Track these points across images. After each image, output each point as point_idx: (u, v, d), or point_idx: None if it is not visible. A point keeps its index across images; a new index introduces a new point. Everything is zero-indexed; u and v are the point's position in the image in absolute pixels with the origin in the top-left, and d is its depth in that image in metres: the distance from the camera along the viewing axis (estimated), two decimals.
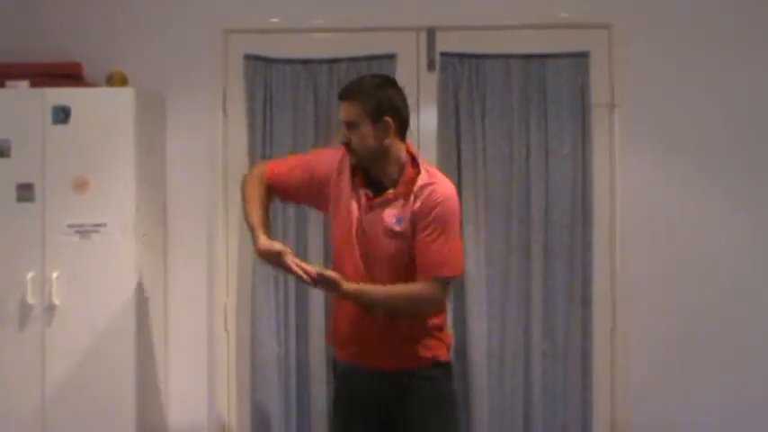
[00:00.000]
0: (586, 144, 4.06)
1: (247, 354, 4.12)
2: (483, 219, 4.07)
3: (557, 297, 4.07)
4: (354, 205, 2.94)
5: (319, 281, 2.82)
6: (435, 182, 2.92)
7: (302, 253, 4.08)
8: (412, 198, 2.90)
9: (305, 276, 2.81)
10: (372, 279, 2.89)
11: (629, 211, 4.07)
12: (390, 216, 2.90)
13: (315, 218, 4.06)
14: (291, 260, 2.83)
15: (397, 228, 2.89)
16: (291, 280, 4.07)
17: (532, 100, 4.07)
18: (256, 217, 2.97)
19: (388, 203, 2.91)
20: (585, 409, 4.06)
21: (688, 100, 4.06)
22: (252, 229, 2.94)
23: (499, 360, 4.09)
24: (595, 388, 4.07)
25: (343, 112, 2.94)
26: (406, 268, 2.90)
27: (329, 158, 3.05)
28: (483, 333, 4.06)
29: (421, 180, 2.91)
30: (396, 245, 2.90)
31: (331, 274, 2.83)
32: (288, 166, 3.12)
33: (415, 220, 2.88)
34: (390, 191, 2.92)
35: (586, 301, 4.07)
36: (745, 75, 4.06)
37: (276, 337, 4.08)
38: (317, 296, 4.02)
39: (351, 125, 2.91)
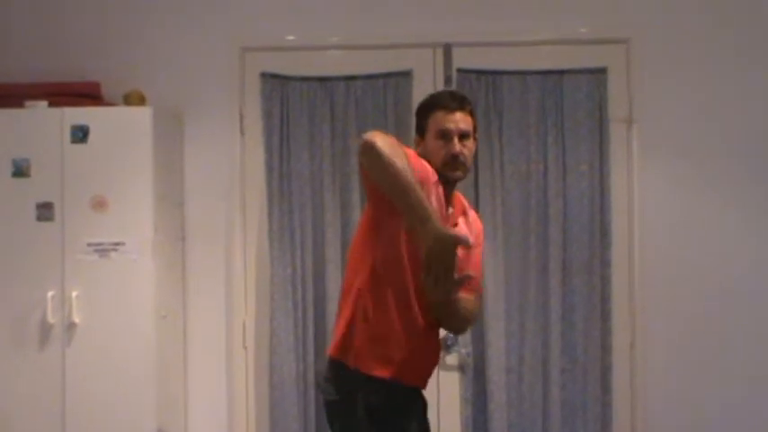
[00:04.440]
0: (604, 160, 4.04)
1: (266, 371, 4.12)
2: (501, 235, 4.06)
3: (575, 313, 4.06)
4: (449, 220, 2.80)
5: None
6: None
7: (320, 259, 4.12)
8: (470, 215, 2.93)
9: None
10: None
11: (647, 226, 4.05)
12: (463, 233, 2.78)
13: (332, 220, 4.10)
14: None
15: (472, 240, 2.79)
16: (310, 296, 4.10)
17: (550, 116, 4.06)
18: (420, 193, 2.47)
19: (456, 221, 2.84)
20: (605, 426, 4.05)
21: (706, 115, 4.04)
22: (424, 205, 2.43)
23: (518, 376, 4.08)
24: (615, 404, 4.06)
25: (463, 120, 2.79)
26: None
27: (425, 165, 2.70)
28: (501, 349, 4.05)
29: (461, 197, 2.94)
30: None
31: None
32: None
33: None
34: (452, 210, 2.86)
35: (605, 317, 4.05)
36: (764, 90, 4.04)
37: (294, 353, 4.08)
38: (333, 314, 3.99)
39: (465, 136, 2.79)
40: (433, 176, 2.72)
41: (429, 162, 2.79)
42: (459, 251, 2.69)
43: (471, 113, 2.84)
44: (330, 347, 2.83)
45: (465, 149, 2.79)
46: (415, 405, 2.84)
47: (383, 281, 2.69)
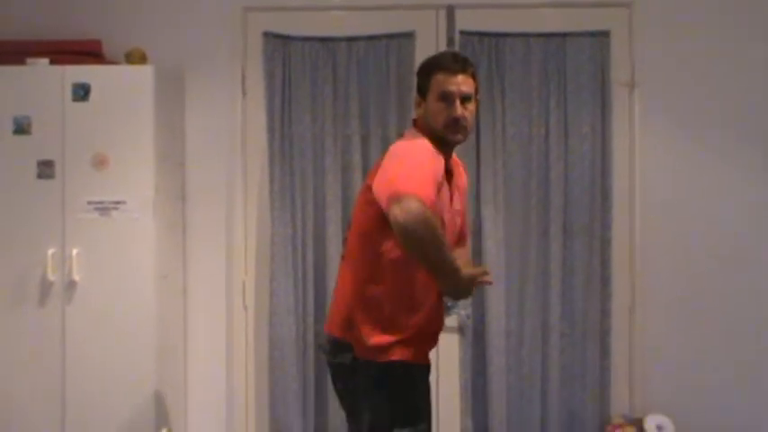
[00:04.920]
0: (606, 123, 4.04)
1: (266, 331, 4.13)
2: (501, 198, 4.07)
3: (575, 277, 4.06)
4: (450, 194, 2.86)
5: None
6: None
7: (320, 221, 4.13)
8: (459, 171, 2.97)
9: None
10: None
11: (648, 190, 4.05)
12: (456, 198, 2.91)
13: (332, 182, 4.10)
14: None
15: (458, 207, 2.93)
16: (310, 257, 4.12)
17: (552, 79, 4.05)
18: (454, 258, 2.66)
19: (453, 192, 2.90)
20: (604, 389, 4.06)
21: (708, 79, 4.04)
22: (459, 272, 2.63)
23: (517, 340, 4.09)
24: (614, 368, 4.07)
25: (465, 83, 2.79)
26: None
27: (437, 163, 2.73)
28: (501, 313, 4.06)
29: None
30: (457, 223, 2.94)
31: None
32: (431, 188, 2.63)
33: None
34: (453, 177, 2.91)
35: (605, 281, 4.06)
36: (766, 55, 4.03)
37: (294, 314, 4.09)
38: (334, 274, 4.00)
39: (467, 99, 2.80)
40: (440, 164, 2.72)
41: (429, 124, 2.81)
42: (454, 214, 2.87)
43: (473, 75, 2.84)
44: (332, 325, 2.87)
45: (466, 112, 2.80)
46: (423, 369, 2.90)
47: (392, 268, 2.73)
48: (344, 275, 2.86)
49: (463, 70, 2.81)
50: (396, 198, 2.50)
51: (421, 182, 2.56)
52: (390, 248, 2.70)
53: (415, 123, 2.90)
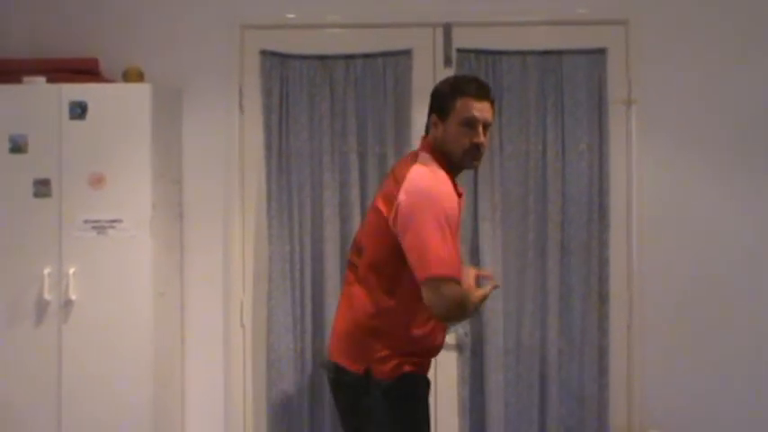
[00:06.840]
0: (603, 141, 4.04)
1: (263, 349, 4.11)
2: (499, 216, 4.06)
3: (573, 294, 4.05)
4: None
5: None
6: None
7: (318, 238, 4.11)
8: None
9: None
10: None
11: (645, 207, 4.05)
12: None
13: (330, 199, 4.08)
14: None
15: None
16: (308, 275, 4.09)
17: (549, 96, 4.05)
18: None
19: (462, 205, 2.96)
20: (602, 407, 4.04)
21: (705, 96, 4.05)
22: (477, 299, 2.82)
23: (515, 357, 4.08)
24: (612, 385, 4.05)
25: (489, 111, 2.85)
26: None
27: (455, 201, 2.81)
28: (499, 330, 4.05)
29: None
30: None
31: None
32: (458, 255, 2.81)
33: None
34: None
35: (603, 299, 4.05)
36: (763, 71, 4.04)
37: (292, 332, 4.08)
38: (332, 293, 4.02)
39: (486, 127, 2.86)
40: (457, 203, 2.79)
41: (447, 147, 2.85)
42: None
43: (493, 106, 2.89)
44: (336, 351, 2.94)
45: (485, 139, 2.86)
46: (427, 387, 2.96)
47: (407, 295, 2.81)
48: (353, 301, 2.90)
49: (488, 98, 2.86)
50: (432, 283, 2.64)
51: (451, 257, 2.66)
52: (406, 278, 2.76)
53: (424, 141, 2.93)
